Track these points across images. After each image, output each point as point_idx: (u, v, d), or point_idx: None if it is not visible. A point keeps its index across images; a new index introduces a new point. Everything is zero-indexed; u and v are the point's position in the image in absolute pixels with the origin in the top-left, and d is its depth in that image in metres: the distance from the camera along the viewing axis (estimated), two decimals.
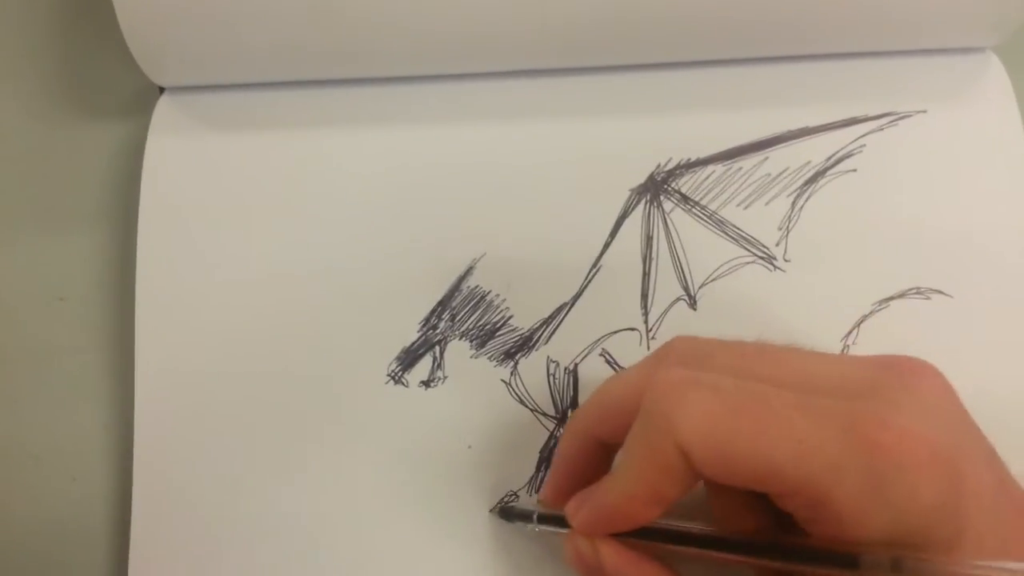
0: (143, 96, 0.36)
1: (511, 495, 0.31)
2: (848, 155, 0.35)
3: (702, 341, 0.26)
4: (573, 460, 0.28)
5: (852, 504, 0.21)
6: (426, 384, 0.32)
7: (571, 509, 0.26)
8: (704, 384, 0.23)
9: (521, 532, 0.31)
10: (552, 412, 0.32)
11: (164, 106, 0.35)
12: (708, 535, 0.25)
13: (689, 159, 0.35)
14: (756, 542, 0.24)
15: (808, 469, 0.22)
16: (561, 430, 0.32)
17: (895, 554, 0.21)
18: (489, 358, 0.33)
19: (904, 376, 0.24)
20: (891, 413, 0.22)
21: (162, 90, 0.36)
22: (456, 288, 0.33)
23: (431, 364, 0.33)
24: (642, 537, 0.25)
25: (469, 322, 0.33)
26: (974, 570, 0.20)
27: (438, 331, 0.33)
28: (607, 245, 0.34)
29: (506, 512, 0.31)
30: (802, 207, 0.34)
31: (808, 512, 0.22)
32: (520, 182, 0.35)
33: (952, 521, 0.22)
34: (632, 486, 0.24)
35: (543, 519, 0.28)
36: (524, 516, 0.29)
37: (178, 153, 0.35)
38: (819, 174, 0.35)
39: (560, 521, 0.27)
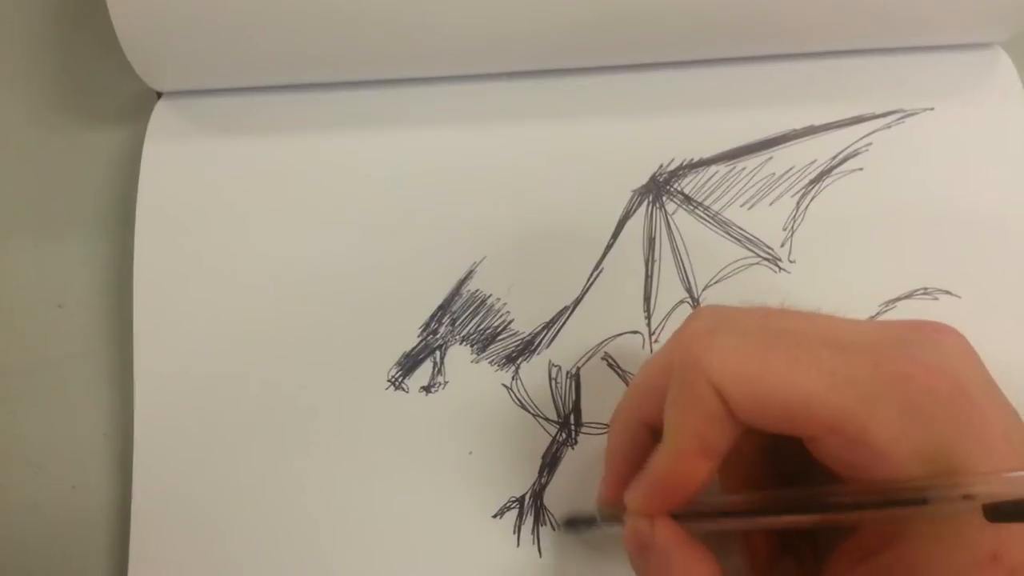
0: (140, 101, 0.36)
1: (512, 501, 0.31)
2: (854, 154, 0.34)
3: (726, 307, 0.26)
4: (624, 453, 0.27)
5: (889, 433, 0.21)
6: (427, 389, 0.32)
7: (628, 495, 0.26)
8: (732, 328, 0.23)
9: (525, 540, 0.30)
10: (554, 417, 0.32)
11: (161, 111, 0.35)
12: (768, 501, 0.24)
13: (692, 159, 0.34)
14: (821, 499, 0.23)
15: (842, 401, 0.22)
16: (563, 435, 0.31)
17: (962, 480, 0.21)
18: (490, 363, 0.32)
19: (928, 332, 0.24)
20: (917, 353, 0.22)
21: (159, 95, 0.36)
22: (456, 292, 0.33)
23: (431, 369, 0.32)
24: (699, 516, 0.25)
25: (470, 326, 0.33)
26: None
27: (438, 336, 0.33)
28: (609, 247, 0.33)
29: (571, 523, 0.30)
30: (807, 207, 0.34)
31: (844, 452, 0.22)
32: (520, 184, 0.34)
33: (987, 453, 0.21)
34: (679, 441, 0.24)
35: (606, 518, 0.28)
36: (588, 522, 0.29)
37: (175, 158, 0.35)
38: (824, 173, 0.34)
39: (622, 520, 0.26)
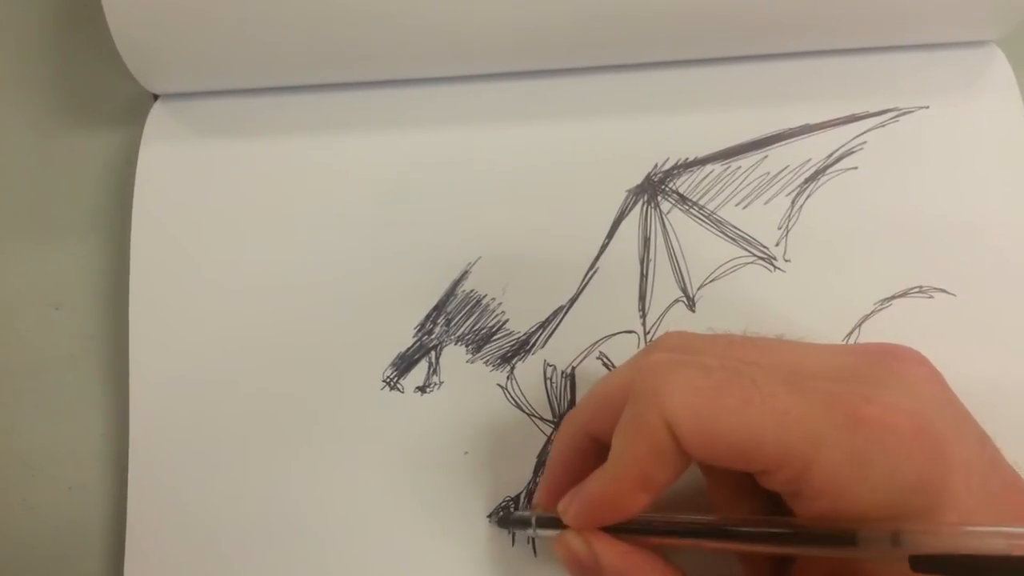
0: (137, 103, 0.36)
1: (508, 501, 0.31)
2: (849, 152, 0.34)
3: (691, 334, 0.26)
4: (567, 460, 0.28)
5: (832, 476, 0.22)
6: (422, 390, 0.32)
7: (563, 506, 0.26)
8: (691, 363, 0.23)
9: (520, 540, 0.30)
10: (549, 416, 0.32)
11: (158, 113, 0.35)
12: (702, 525, 0.25)
13: (687, 158, 0.34)
14: (750, 529, 0.24)
15: (789, 441, 0.22)
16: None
17: (893, 527, 0.21)
18: (485, 362, 0.32)
19: (890, 362, 0.24)
20: (875, 390, 0.22)
21: (155, 97, 0.36)
22: (451, 292, 0.33)
23: (427, 369, 0.32)
24: (634, 532, 0.25)
25: (465, 326, 0.33)
26: (971, 537, 0.20)
27: (433, 336, 0.33)
28: (604, 247, 0.33)
29: (504, 520, 0.30)
30: (802, 206, 0.34)
31: (790, 487, 0.23)
32: (515, 184, 0.34)
33: (934, 496, 0.21)
34: (621, 469, 0.24)
35: (541, 523, 0.28)
36: (522, 523, 0.29)
37: (171, 160, 0.35)
38: (819, 172, 0.34)
39: (558, 524, 0.26)
